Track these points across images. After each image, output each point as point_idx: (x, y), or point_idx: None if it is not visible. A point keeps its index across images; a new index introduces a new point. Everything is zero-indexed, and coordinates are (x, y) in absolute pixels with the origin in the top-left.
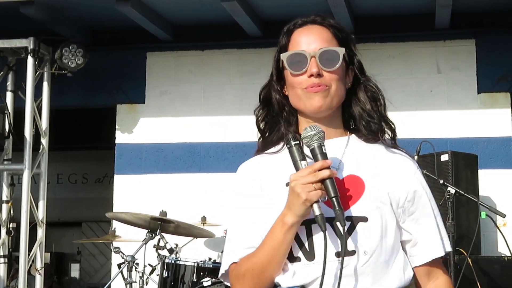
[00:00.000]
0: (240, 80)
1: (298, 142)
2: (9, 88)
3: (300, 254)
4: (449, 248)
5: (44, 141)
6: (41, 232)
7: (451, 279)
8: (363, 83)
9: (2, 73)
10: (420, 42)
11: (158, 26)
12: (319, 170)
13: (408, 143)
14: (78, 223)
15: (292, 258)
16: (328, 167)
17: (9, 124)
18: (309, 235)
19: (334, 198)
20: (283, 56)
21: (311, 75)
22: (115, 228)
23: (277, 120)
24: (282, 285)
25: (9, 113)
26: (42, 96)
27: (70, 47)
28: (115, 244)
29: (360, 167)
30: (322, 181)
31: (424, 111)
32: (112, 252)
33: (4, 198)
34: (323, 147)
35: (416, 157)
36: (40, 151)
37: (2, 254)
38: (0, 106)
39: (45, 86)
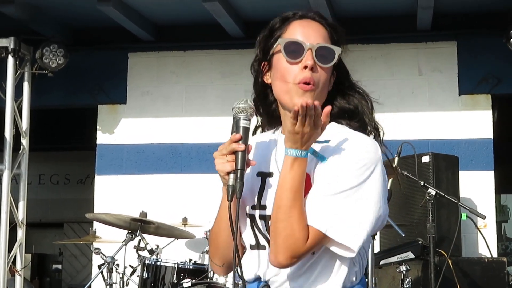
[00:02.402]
0: (222, 81)
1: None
2: None
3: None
4: (335, 235)
5: (25, 141)
6: (21, 233)
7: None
8: (343, 89)
9: None
10: (401, 43)
11: (140, 27)
12: (231, 143)
13: (389, 144)
14: (60, 224)
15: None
16: (237, 141)
17: None
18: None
19: (238, 171)
20: (281, 42)
21: (305, 67)
22: (95, 229)
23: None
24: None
25: None
26: (22, 96)
27: (51, 47)
28: (95, 245)
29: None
30: (235, 153)
31: (405, 112)
32: (93, 253)
33: None
34: (245, 121)
35: (397, 159)
36: (20, 151)
37: None
38: None
39: (26, 86)
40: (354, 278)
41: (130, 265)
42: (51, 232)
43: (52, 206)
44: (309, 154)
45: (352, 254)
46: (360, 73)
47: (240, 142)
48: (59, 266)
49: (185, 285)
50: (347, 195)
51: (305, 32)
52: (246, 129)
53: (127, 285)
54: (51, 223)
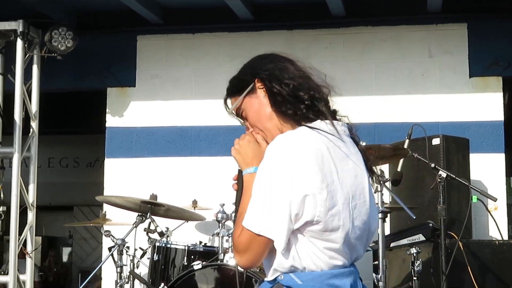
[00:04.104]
0: (230, 64)
1: None
2: None
3: None
4: (244, 223)
5: (34, 124)
6: (31, 216)
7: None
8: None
9: None
10: (412, 26)
11: (149, 9)
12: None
13: (399, 127)
14: (70, 207)
15: None
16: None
17: None
18: None
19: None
20: None
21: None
22: (105, 212)
23: None
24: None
25: None
26: (31, 79)
27: (59, 30)
28: (105, 227)
29: None
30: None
31: (415, 95)
32: (103, 236)
33: None
34: None
35: (407, 141)
36: (30, 134)
37: None
38: None
39: (35, 69)
40: (286, 265)
41: (140, 248)
42: (61, 215)
43: (61, 189)
44: None
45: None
46: (370, 56)
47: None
48: (69, 249)
49: (195, 267)
50: (254, 192)
51: None
52: (240, 171)
53: (137, 267)
54: (61, 206)
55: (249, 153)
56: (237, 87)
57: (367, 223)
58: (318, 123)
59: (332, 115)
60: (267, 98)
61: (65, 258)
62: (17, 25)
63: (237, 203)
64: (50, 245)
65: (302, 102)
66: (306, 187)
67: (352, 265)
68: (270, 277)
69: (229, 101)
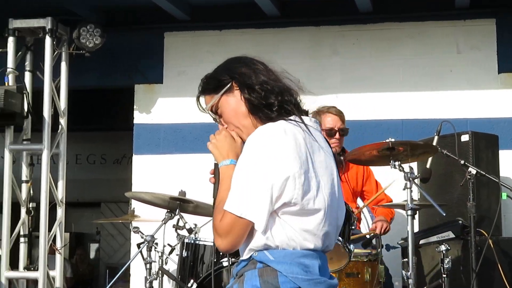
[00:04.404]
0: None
1: None
2: (27, 68)
3: None
4: (226, 207)
5: (63, 121)
6: (60, 212)
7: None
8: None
9: (20, 53)
10: (439, 21)
11: (176, 6)
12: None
13: (428, 123)
14: (97, 204)
15: None
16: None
17: (28, 104)
18: None
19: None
20: None
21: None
22: (134, 208)
23: None
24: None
25: (28, 93)
26: (60, 76)
27: (87, 27)
28: (134, 224)
29: None
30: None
31: (444, 91)
32: (131, 232)
33: (24, 178)
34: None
35: (436, 137)
36: (58, 131)
37: (22, 233)
38: (18, 86)
39: (63, 66)
40: (261, 244)
41: (168, 244)
42: (88, 212)
43: (89, 185)
44: None
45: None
46: (397, 52)
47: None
48: (97, 245)
49: (224, 263)
50: (236, 178)
51: None
52: (216, 165)
53: (166, 263)
54: (88, 203)
55: (225, 146)
56: (213, 86)
57: (336, 213)
58: (293, 118)
59: (303, 114)
60: (243, 99)
61: (92, 255)
62: (45, 23)
63: (215, 195)
64: (78, 242)
65: (272, 106)
66: (287, 170)
67: (322, 252)
68: (245, 256)
69: (202, 99)
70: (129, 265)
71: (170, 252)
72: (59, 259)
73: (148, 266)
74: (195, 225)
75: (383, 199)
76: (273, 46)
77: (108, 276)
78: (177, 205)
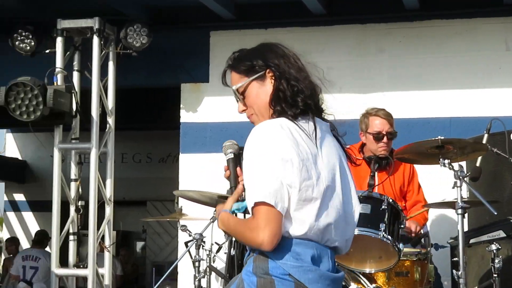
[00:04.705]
0: (303, 59)
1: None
2: (75, 68)
3: None
4: (257, 199)
5: (111, 120)
6: (108, 210)
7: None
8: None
9: (68, 53)
10: (488, 18)
11: (222, 5)
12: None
13: (476, 121)
14: (143, 202)
15: None
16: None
17: (76, 103)
18: None
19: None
20: None
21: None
22: (182, 207)
23: None
24: None
25: (76, 92)
26: (107, 76)
27: (134, 27)
28: (182, 222)
29: None
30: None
31: (492, 88)
32: (179, 230)
33: (73, 176)
34: (228, 154)
35: (486, 136)
36: (106, 130)
37: (71, 231)
38: (67, 86)
39: (111, 65)
40: None
41: (216, 242)
42: (134, 210)
43: (135, 184)
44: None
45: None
46: (445, 49)
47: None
48: (143, 243)
49: None
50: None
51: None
52: (229, 160)
53: (213, 262)
54: (134, 201)
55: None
56: (246, 68)
57: (342, 209)
58: (300, 118)
59: (319, 114)
60: (272, 89)
61: (138, 253)
62: (93, 23)
63: (235, 182)
64: (124, 240)
65: (296, 107)
66: (284, 155)
67: (325, 247)
68: None
69: (229, 73)
70: (176, 263)
71: (218, 250)
72: (107, 257)
73: (196, 264)
74: None
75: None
76: (319, 44)
77: (155, 274)
78: None
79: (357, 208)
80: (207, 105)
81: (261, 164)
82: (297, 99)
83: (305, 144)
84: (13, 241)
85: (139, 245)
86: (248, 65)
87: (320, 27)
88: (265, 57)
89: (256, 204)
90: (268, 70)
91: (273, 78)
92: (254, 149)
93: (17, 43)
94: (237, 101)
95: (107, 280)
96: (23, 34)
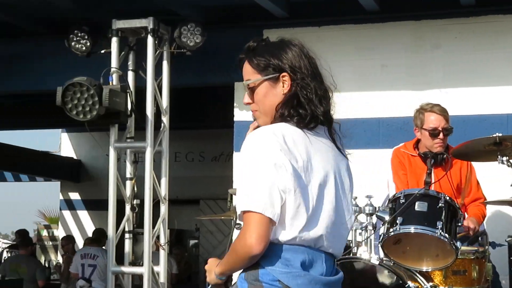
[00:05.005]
0: (357, 56)
1: None
2: (130, 68)
3: None
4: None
5: (165, 119)
6: (163, 209)
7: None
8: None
9: (123, 53)
10: None
11: (274, 3)
12: None
13: None
14: (196, 201)
15: None
16: None
17: (131, 102)
18: None
19: None
20: None
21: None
22: (236, 205)
23: None
24: None
25: (131, 92)
26: (162, 75)
27: (188, 26)
28: (237, 220)
29: None
30: None
31: None
32: (233, 229)
33: (128, 175)
34: None
35: None
36: (161, 129)
37: (127, 230)
38: (122, 86)
39: (165, 65)
40: None
41: None
42: (187, 209)
43: (188, 183)
44: None
45: None
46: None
47: None
48: (196, 241)
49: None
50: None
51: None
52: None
53: None
54: (187, 200)
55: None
56: (260, 64)
57: (333, 218)
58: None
59: (326, 123)
60: (283, 93)
61: (191, 251)
62: (147, 23)
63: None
64: (178, 238)
65: (301, 116)
66: (274, 159)
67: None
68: None
69: (246, 64)
70: None
71: None
72: (163, 255)
73: None
74: None
75: (480, 197)
76: (373, 41)
77: None
78: None
79: (352, 217)
80: None
81: (253, 171)
82: (306, 108)
83: (298, 151)
84: (69, 239)
85: (192, 243)
86: (263, 63)
87: (373, 24)
88: (282, 57)
89: (244, 212)
90: (282, 74)
91: (286, 82)
92: (247, 156)
93: (73, 43)
94: (245, 91)
95: (162, 278)
96: (79, 35)
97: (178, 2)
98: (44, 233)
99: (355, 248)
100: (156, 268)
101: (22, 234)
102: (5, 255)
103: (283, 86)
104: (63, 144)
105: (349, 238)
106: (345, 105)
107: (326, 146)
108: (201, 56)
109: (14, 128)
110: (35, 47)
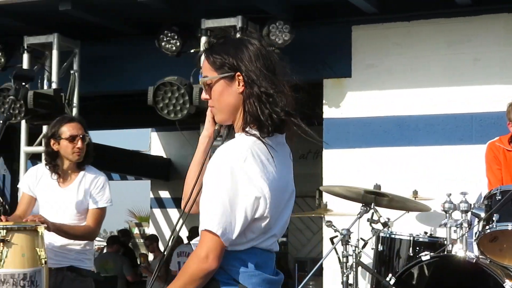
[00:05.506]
0: (448, 51)
1: None
2: None
3: None
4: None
5: None
6: None
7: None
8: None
9: None
10: None
11: None
12: None
13: None
14: None
15: None
16: None
17: None
18: None
19: None
20: None
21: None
22: (326, 202)
23: None
24: None
25: None
26: None
27: (277, 24)
28: (327, 217)
29: None
30: None
31: None
32: (323, 226)
33: None
34: None
35: None
36: None
37: None
38: None
39: None
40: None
41: (361, 238)
42: None
43: None
44: None
45: None
46: None
47: None
48: (284, 239)
49: (423, 258)
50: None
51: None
52: None
53: (359, 257)
54: None
55: None
56: (216, 62)
57: (283, 224)
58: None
59: (282, 129)
60: (239, 92)
61: (280, 249)
62: (236, 21)
63: None
64: None
65: (260, 120)
66: (258, 191)
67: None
68: None
69: (204, 60)
70: (323, 259)
71: (364, 246)
72: None
73: (344, 260)
74: (388, 219)
75: None
76: (465, 35)
77: (297, 270)
78: (372, 198)
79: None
80: (350, 100)
81: (225, 197)
82: (265, 112)
83: (269, 164)
84: (152, 239)
85: (281, 241)
86: (219, 61)
87: (465, 17)
88: (238, 57)
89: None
90: (238, 74)
91: (242, 83)
92: (223, 178)
93: (163, 44)
94: (203, 88)
95: None
96: (169, 35)
97: (267, 0)
98: (136, 231)
99: (450, 245)
100: None
101: (118, 235)
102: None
103: (239, 85)
104: (153, 143)
105: (444, 235)
106: (436, 101)
107: (285, 153)
108: (290, 53)
109: (106, 128)
110: (127, 48)
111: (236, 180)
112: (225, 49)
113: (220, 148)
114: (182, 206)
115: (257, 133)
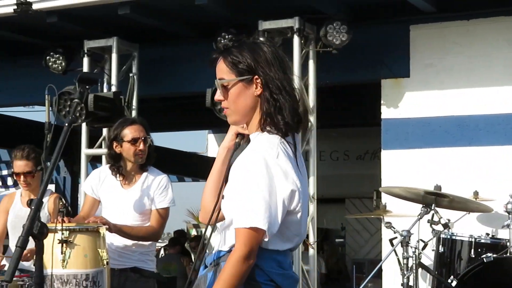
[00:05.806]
0: (508, 49)
1: None
2: None
3: None
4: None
5: (312, 118)
6: (312, 208)
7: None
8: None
9: None
10: None
11: None
12: None
13: None
14: (341, 200)
15: None
16: None
17: None
18: None
19: None
20: None
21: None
22: (385, 203)
23: None
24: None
25: None
26: (308, 74)
27: (334, 24)
28: (386, 219)
29: None
30: None
31: None
32: (382, 227)
33: None
34: None
35: None
36: (308, 128)
37: None
38: None
39: (311, 64)
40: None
41: (421, 240)
42: (333, 208)
43: (332, 182)
44: None
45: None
46: None
47: None
48: (342, 240)
49: (486, 259)
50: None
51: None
52: None
53: (419, 259)
54: (332, 199)
55: None
56: (235, 64)
57: (305, 225)
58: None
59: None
60: (256, 95)
61: (337, 250)
62: (293, 22)
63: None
64: (324, 237)
65: (277, 124)
66: (293, 185)
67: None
68: (225, 247)
69: (221, 62)
70: (383, 261)
71: (424, 247)
72: (312, 254)
73: (404, 261)
74: (449, 220)
75: None
76: None
77: (355, 272)
78: (432, 199)
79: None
80: (408, 100)
81: (265, 193)
82: (283, 113)
83: (294, 161)
84: (198, 240)
85: (338, 242)
86: (238, 63)
87: None
88: (255, 60)
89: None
90: (256, 77)
91: (260, 86)
92: (260, 176)
93: (220, 45)
94: (217, 88)
95: (312, 277)
96: (226, 37)
97: (324, 1)
98: (193, 232)
99: None
100: (305, 267)
101: (176, 236)
102: (162, 252)
103: (256, 88)
104: (210, 145)
105: (506, 236)
106: (497, 100)
107: (299, 151)
108: (347, 54)
109: (164, 130)
110: (184, 50)
111: (272, 175)
112: (243, 52)
113: (245, 150)
114: (202, 219)
115: (277, 132)
